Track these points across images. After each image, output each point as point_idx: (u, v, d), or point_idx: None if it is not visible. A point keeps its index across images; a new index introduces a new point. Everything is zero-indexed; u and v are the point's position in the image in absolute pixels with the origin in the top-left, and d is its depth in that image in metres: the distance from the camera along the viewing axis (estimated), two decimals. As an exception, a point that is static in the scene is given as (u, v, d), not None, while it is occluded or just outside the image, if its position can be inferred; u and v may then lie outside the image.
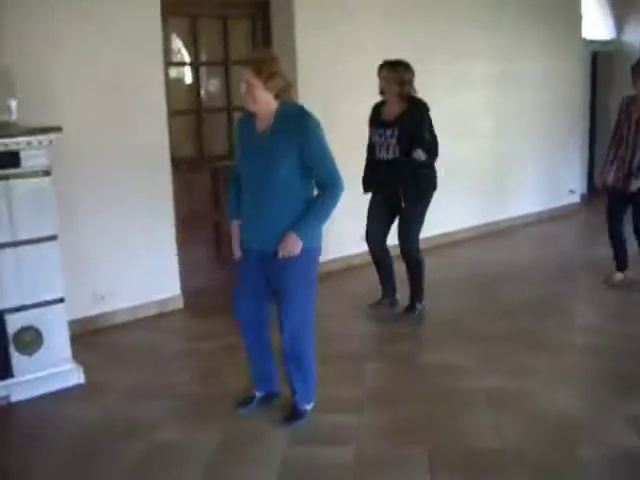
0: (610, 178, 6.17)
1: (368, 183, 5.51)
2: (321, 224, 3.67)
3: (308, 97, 5.71)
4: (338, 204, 3.65)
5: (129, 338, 5.36)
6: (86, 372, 4.55)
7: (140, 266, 5.65)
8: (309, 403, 3.93)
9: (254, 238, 3.70)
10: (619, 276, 6.35)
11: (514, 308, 5.80)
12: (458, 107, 8.06)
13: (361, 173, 5.54)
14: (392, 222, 5.57)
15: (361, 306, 5.81)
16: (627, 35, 11.17)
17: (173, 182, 5.83)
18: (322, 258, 3.87)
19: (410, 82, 5.30)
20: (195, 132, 6.31)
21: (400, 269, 5.63)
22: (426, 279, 5.60)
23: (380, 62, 5.34)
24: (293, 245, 3.54)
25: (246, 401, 4.06)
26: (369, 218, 5.60)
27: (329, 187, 3.59)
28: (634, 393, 4.15)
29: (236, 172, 3.82)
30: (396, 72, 5.26)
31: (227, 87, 6.39)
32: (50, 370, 4.39)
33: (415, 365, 4.71)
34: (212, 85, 6.50)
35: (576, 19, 9.81)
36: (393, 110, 5.34)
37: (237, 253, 3.84)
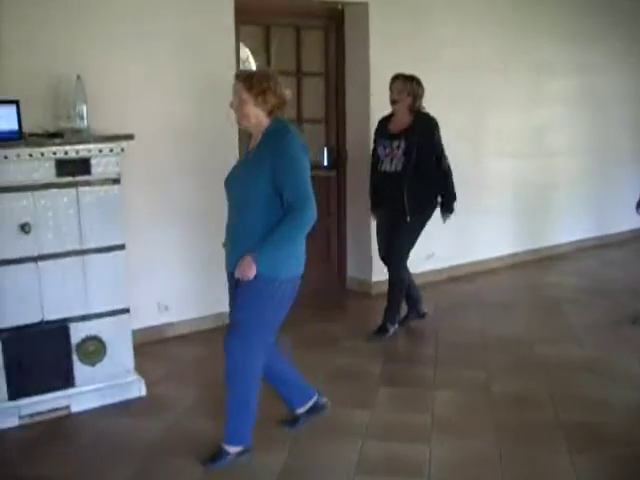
0: None
1: (375, 200, 5.53)
2: (280, 251, 3.35)
3: (381, 110, 5.61)
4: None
5: (190, 351, 5.28)
6: (147, 384, 4.48)
7: (201, 278, 5.57)
8: (234, 445, 3.59)
9: (228, 260, 3.55)
10: None
11: (585, 335, 5.57)
12: (532, 123, 7.87)
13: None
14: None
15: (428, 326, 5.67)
16: None
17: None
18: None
19: (421, 97, 5.31)
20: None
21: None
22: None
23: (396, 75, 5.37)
24: (246, 268, 3.31)
25: (293, 421, 3.97)
26: (377, 234, 5.63)
27: (294, 211, 3.29)
28: None
29: None
30: (411, 85, 5.28)
31: (298, 98, 6.29)
32: (112, 381, 4.33)
33: (486, 394, 4.50)
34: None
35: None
36: (401, 123, 5.32)
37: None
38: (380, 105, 5.79)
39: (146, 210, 5.24)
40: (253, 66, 6.45)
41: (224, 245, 3.61)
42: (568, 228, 8.55)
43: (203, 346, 5.34)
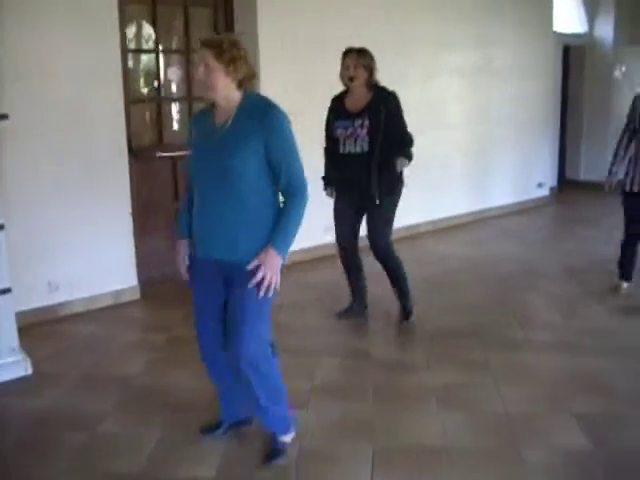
0: (627, 182, 5.63)
1: (330, 179, 5.17)
2: (296, 235, 3.18)
3: (270, 87, 5.65)
4: None
5: (83, 329, 5.29)
6: (36, 363, 4.49)
7: (96, 256, 5.57)
8: (286, 434, 3.48)
9: (210, 247, 3.20)
10: (626, 285, 5.99)
11: (470, 303, 5.79)
12: (430, 97, 8.09)
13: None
14: (361, 220, 5.20)
15: (322, 298, 5.80)
16: (598, 29, 11.20)
17: (130, 171, 5.75)
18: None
19: (375, 70, 4.99)
20: (155, 121, 6.22)
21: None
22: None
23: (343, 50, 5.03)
24: (275, 264, 3.08)
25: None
26: (338, 218, 5.21)
27: (297, 192, 3.13)
28: (586, 392, 4.13)
29: (189, 183, 3.34)
30: (364, 58, 4.94)
31: (188, 76, 6.30)
32: (-4, 361, 4.32)
33: (368, 361, 4.66)
34: (172, 73, 6.42)
35: (547, 13, 9.81)
36: (360, 100, 4.97)
37: (184, 273, 3.36)
38: (269, 81, 5.87)
39: (36, 190, 5.20)
40: (146, 44, 6.33)
41: (185, 237, 3.35)
42: (462, 200, 8.81)
43: (96, 324, 5.37)
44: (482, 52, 8.74)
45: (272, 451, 3.42)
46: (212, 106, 3.23)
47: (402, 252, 5.46)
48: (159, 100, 6.25)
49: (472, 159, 8.91)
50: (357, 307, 5.41)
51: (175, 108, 6.49)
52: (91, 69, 5.32)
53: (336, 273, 5.70)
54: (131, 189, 5.75)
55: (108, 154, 5.54)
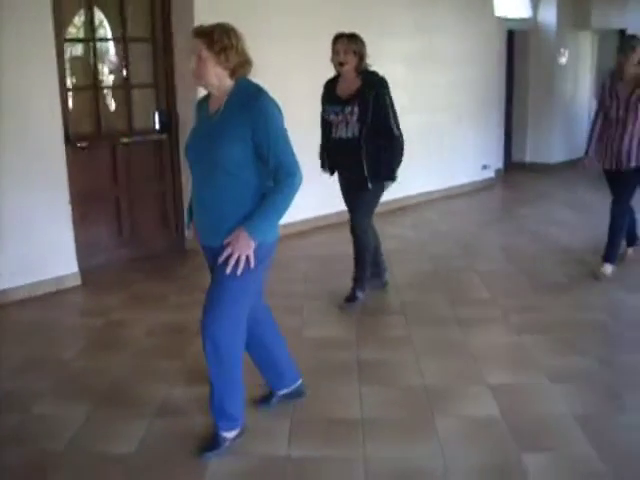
0: (604, 161, 5.81)
1: (324, 161, 5.38)
2: (277, 220, 3.20)
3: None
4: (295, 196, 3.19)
5: (23, 315, 5.36)
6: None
7: (36, 243, 5.63)
8: (227, 430, 3.40)
9: (203, 234, 3.31)
10: (609, 269, 5.92)
11: (403, 283, 5.95)
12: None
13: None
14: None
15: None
16: (542, 14, 11.40)
17: (69, 158, 5.81)
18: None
19: (365, 55, 5.05)
20: (93, 108, 6.28)
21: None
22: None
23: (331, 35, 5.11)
24: (244, 244, 3.08)
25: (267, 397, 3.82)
26: (343, 196, 5.44)
27: (286, 178, 3.11)
28: (506, 366, 4.32)
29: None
30: (355, 43, 4.97)
31: (126, 63, 6.37)
32: None
33: (297, 338, 4.80)
34: (110, 61, 6.47)
35: (488, -3, 9.98)
36: (350, 85, 5.03)
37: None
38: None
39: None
40: (108, 31, 6.42)
41: (188, 226, 3.53)
42: (411, 182, 8.96)
43: (38, 310, 5.45)
44: (424, 38, 8.88)
45: (210, 441, 3.39)
46: (208, 94, 3.31)
47: (342, 234, 5.62)
48: (96, 88, 6.29)
49: (418, 144, 9.00)
50: (375, 284, 5.61)
51: (112, 96, 6.53)
52: (27, 57, 5.35)
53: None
54: (70, 176, 5.81)
55: (44, 143, 5.59)
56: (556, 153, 11.70)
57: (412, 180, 8.92)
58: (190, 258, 6.67)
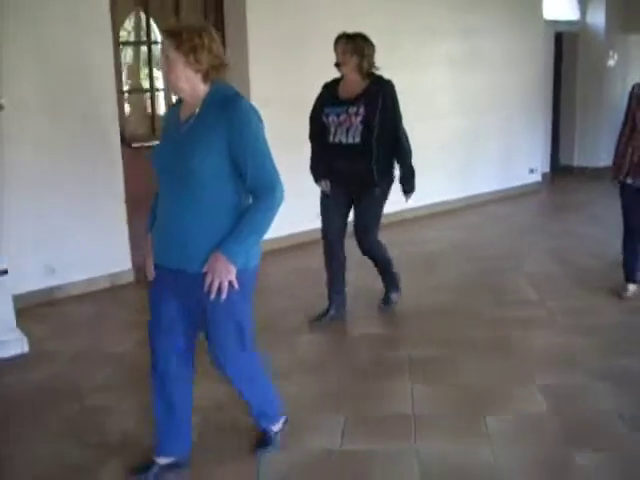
0: (629, 174, 5.30)
1: (319, 171, 4.96)
2: (257, 240, 2.90)
3: (260, 70, 5.85)
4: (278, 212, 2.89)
5: (79, 310, 5.54)
6: (33, 342, 4.72)
7: (92, 240, 5.80)
8: (273, 424, 3.43)
9: (167, 254, 2.93)
10: (632, 288, 5.58)
11: (449, 284, 6.00)
12: (420, 86, 8.23)
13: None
14: (349, 214, 5.07)
15: (304, 282, 6.04)
16: (591, 16, 11.33)
17: (125, 159, 5.97)
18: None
19: (370, 56, 4.78)
20: (147, 110, 6.43)
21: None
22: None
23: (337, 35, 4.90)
24: (223, 270, 2.78)
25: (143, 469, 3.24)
26: (326, 210, 4.99)
27: (265, 194, 2.82)
28: (553, 366, 4.35)
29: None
30: (354, 43, 4.75)
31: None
32: (-6, 339, 4.55)
33: (347, 337, 4.90)
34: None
35: (537, 1, 9.95)
36: (353, 87, 4.79)
37: (150, 273, 3.05)
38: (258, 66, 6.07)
39: (36, 175, 5.44)
40: (157, 33, 6.55)
41: (149, 232, 3.08)
42: (453, 186, 9.00)
43: (94, 305, 5.62)
44: (471, 41, 8.90)
45: (261, 439, 3.43)
46: (180, 100, 2.99)
47: (391, 235, 5.63)
48: (152, 91, 6.44)
49: (464, 146, 9.09)
50: (334, 314, 5.13)
51: (167, 98, 6.68)
52: (84, 61, 5.52)
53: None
54: (125, 176, 5.96)
55: (103, 144, 5.76)
56: (604, 157, 11.58)
57: (455, 184, 8.99)
58: None
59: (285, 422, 3.48)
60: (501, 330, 4.94)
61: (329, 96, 4.90)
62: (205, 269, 2.80)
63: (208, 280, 2.78)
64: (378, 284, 5.45)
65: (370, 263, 5.28)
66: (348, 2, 7.25)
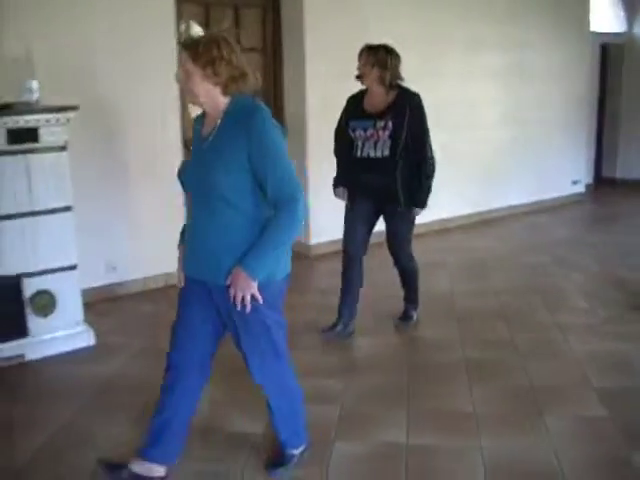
0: None
1: (341, 182, 4.93)
2: (279, 254, 2.88)
3: (315, 86, 5.99)
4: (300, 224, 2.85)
5: (140, 307, 5.70)
6: (99, 335, 4.90)
7: (150, 241, 5.96)
8: (296, 447, 3.35)
9: (194, 266, 2.96)
10: None
11: (500, 289, 6.09)
12: (466, 97, 8.34)
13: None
14: (373, 229, 5.01)
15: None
16: (638, 27, 11.34)
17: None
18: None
19: (394, 68, 4.66)
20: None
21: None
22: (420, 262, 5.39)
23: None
24: (244, 285, 2.79)
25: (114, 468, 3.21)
26: (350, 223, 4.91)
27: (287, 206, 2.77)
28: (607, 370, 4.42)
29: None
30: (375, 55, 4.64)
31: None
32: (63, 332, 4.74)
33: (403, 338, 5.01)
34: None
35: (584, 12, 9.98)
36: (379, 100, 4.71)
37: (180, 282, 3.10)
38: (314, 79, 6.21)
39: (96, 175, 5.62)
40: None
41: (179, 246, 3.14)
42: (498, 196, 9.08)
43: (152, 303, 5.77)
44: (517, 53, 8.96)
45: (279, 457, 3.34)
46: (203, 113, 2.97)
47: (435, 243, 5.71)
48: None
49: (508, 157, 9.15)
50: (341, 329, 5.01)
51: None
52: (148, 66, 5.71)
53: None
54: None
55: (164, 147, 5.93)
56: (648, 169, 11.61)
57: (499, 193, 9.06)
58: (313, 263, 6.93)
59: (306, 450, 3.38)
60: (554, 334, 5.03)
61: (355, 109, 4.83)
62: (228, 282, 2.81)
63: (232, 293, 2.81)
64: (440, 287, 5.55)
65: (429, 269, 5.34)
66: (394, 18, 7.36)
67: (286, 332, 3.11)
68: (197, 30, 6.43)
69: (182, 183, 2.97)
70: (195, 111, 3.26)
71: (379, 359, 4.65)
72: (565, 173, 10.17)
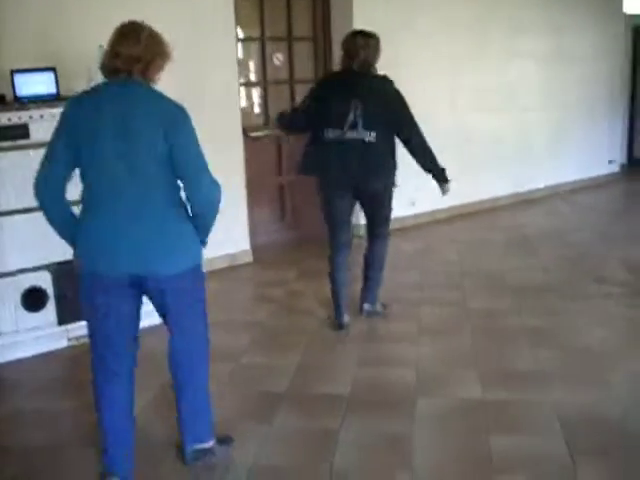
0: None
1: (318, 166, 4.77)
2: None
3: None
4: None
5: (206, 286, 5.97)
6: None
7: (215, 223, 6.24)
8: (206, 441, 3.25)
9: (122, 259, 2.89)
10: None
11: (549, 264, 6.34)
12: (506, 79, 8.61)
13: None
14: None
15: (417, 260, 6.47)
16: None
17: (244, 148, 6.44)
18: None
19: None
20: (262, 103, 6.90)
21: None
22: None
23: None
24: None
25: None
26: (334, 215, 4.83)
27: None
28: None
29: None
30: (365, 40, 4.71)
31: (290, 61, 6.97)
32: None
33: (464, 309, 5.28)
34: (276, 59, 7.05)
35: (617, -5, 10.17)
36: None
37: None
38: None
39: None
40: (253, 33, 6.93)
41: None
42: (541, 176, 9.33)
43: (217, 282, 5.88)
44: (554, 36, 9.19)
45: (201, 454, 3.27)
46: None
47: (483, 222, 5.81)
48: (265, 84, 6.91)
49: (547, 138, 9.38)
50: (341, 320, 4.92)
51: (278, 92, 7.12)
52: (209, 56, 6.00)
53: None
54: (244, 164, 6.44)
55: (226, 134, 6.22)
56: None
57: (540, 173, 9.30)
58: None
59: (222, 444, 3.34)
60: (601, 303, 5.30)
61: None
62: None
63: None
64: (489, 263, 5.76)
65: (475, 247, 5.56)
66: (439, 4, 7.62)
67: None
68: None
69: None
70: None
71: (444, 327, 4.92)
72: (602, 153, 10.40)
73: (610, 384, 3.94)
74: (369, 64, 4.70)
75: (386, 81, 4.71)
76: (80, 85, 3.98)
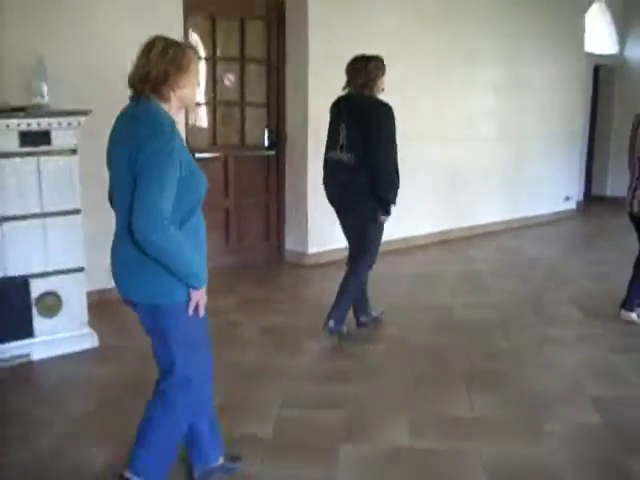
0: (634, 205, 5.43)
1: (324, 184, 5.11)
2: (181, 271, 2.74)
3: (321, 95, 6.10)
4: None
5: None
6: (101, 338, 4.97)
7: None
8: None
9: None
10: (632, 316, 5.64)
11: (498, 302, 6.21)
12: (463, 110, 8.51)
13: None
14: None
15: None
16: (629, 50, 11.55)
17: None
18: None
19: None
20: (210, 123, 6.71)
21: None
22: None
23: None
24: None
25: None
26: (343, 231, 5.16)
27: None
28: (601, 379, 4.55)
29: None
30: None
31: (242, 82, 6.79)
32: (68, 333, 4.80)
33: (405, 347, 5.10)
34: (227, 80, 6.89)
35: (579, 31, 10.20)
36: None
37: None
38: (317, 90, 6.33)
39: (104, 180, 5.66)
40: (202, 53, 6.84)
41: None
42: (494, 209, 9.23)
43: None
44: (514, 69, 9.15)
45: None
46: None
47: (435, 255, 5.72)
48: (214, 104, 6.73)
49: (505, 171, 9.31)
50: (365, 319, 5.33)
51: (227, 113, 6.95)
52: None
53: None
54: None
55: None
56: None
57: (494, 207, 9.21)
58: (288, 269, 7.09)
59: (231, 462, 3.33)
60: (549, 346, 5.15)
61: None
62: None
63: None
64: (437, 299, 5.62)
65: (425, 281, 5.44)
66: (397, 34, 7.51)
67: None
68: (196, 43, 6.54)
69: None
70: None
71: (382, 366, 4.74)
72: (558, 189, 10.35)
73: (545, 435, 3.77)
74: (367, 87, 4.80)
75: (377, 104, 4.79)
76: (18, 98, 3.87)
